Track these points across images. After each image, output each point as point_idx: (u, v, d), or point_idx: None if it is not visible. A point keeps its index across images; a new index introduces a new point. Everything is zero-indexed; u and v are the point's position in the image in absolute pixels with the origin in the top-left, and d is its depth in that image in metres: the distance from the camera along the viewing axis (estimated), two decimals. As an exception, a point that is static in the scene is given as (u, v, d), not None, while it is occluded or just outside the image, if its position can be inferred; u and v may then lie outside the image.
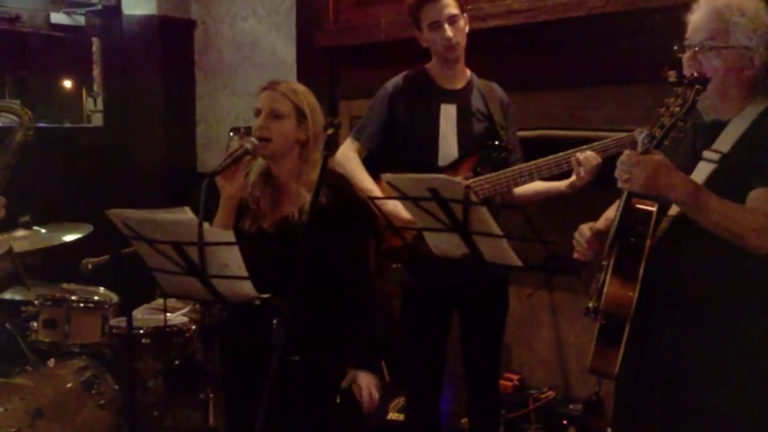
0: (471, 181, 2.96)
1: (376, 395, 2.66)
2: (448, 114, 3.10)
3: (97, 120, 5.35)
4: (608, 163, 2.76)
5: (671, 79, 1.96)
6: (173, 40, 5.35)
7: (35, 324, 3.48)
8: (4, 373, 3.26)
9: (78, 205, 3.97)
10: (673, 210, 2.14)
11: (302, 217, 2.57)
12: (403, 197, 2.42)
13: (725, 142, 2.11)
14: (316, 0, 4.53)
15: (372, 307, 2.80)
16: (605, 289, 2.11)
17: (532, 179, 2.99)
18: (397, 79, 3.19)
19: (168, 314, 3.57)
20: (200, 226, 2.15)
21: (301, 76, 4.60)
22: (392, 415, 3.92)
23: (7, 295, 3.62)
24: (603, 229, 2.35)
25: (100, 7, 5.19)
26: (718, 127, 2.15)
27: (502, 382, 3.85)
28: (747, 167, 2.05)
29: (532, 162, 2.99)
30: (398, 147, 3.13)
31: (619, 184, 2.02)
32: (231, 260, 2.22)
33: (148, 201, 2.34)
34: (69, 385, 3.31)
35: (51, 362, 3.45)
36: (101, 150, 5.22)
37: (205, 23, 5.39)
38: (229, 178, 2.53)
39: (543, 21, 3.47)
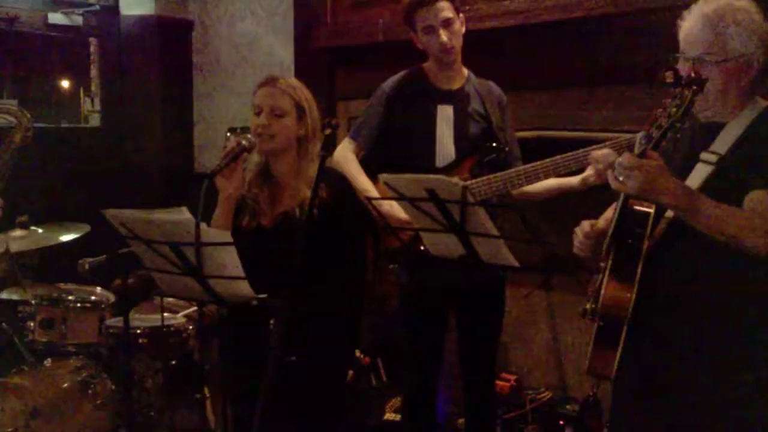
0: (470, 182, 2.97)
1: None
2: (445, 115, 3.10)
3: (95, 120, 5.34)
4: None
5: (668, 80, 1.96)
6: (171, 41, 5.35)
7: (32, 324, 3.48)
8: (1, 373, 3.26)
9: (75, 205, 3.98)
10: (671, 212, 2.14)
11: (302, 212, 2.57)
12: (400, 198, 2.42)
13: (723, 143, 2.11)
14: (314, 1, 4.53)
15: (362, 304, 2.80)
16: (603, 291, 2.11)
17: (529, 182, 2.98)
18: (394, 80, 3.18)
19: (165, 314, 3.57)
20: (197, 226, 2.16)
21: (299, 77, 4.50)
22: (389, 416, 3.93)
23: (4, 295, 3.61)
24: (603, 228, 2.35)
25: (97, 7, 5.18)
26: (716, 128, 2.15)
27: (499, 382, 3.86)
28: (744, 169, 2.05)
29: (530, 165, 2.98)
30: (395, 148, 3.13)
31: (612, 185, 2.01)
32: (228, 260, 2.22)
33: (145, 201, 2.34)
34: (66, 385, 3.30)
35: (48, 362, 3.44)
36: (99, 150, 5.22)
37: (203, 23, 5.38)
38: (227, 176, 2.54)
39: (540, 22, 3.47)
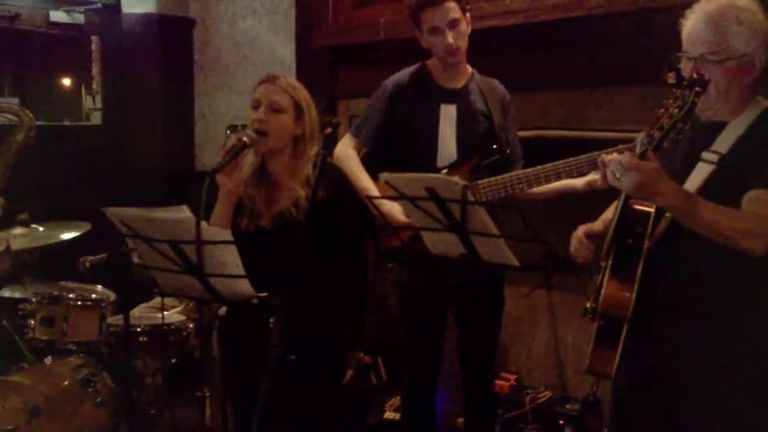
0: (481, 182, 2.96)
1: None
2: (448, 114, 3.08)
3: (96, 118, 5.34)
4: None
5: (670, 81, 1.96)
6: (172, 39, 5.35)
7: (33, 322, 3.48)
8: (1, 371, 3.26)
9: (76, 203, 3.97)
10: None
11: (298, 211, 2.57)
12: (401, 197, 2.42)
13: (724, 143, 2.12)
14: (316, -1, 4.53)
15: (365, 300, 2.80)
16: (603, 290, 2.11)
17: (530, 186, 2.96)
18: (397, 77, 3.16)
19: (165, 312, 3.57)
20: (198, 225, 2.16)
21: (300, 75, 4.59)
22: (389, 414, 3.93)
23: (5, 293, 3.62)
24: (598, 231, 2.35)
25: (99, 5, 5.18)
26: (717, 127, 2.15)
27: (498, 381, 3.86)
28: (745, 168, 2.05)
29: (532, 169, 2.96)
30: (397, 146, 3.12)
31: (609, 179, 2.01)
32: (229, 259, 2.22)
33: (146, 199, 2.34)
34: (66, 383, 3.31)
35: (48, 360, 3.45)
36: (100, 148, 5.21)
37: (204, 22, 5.38)
38: (228, 173, 2.53)
39: (542, 21, 3.46)
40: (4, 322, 3.46)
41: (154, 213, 2.24)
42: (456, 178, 2.30)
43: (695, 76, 1.94)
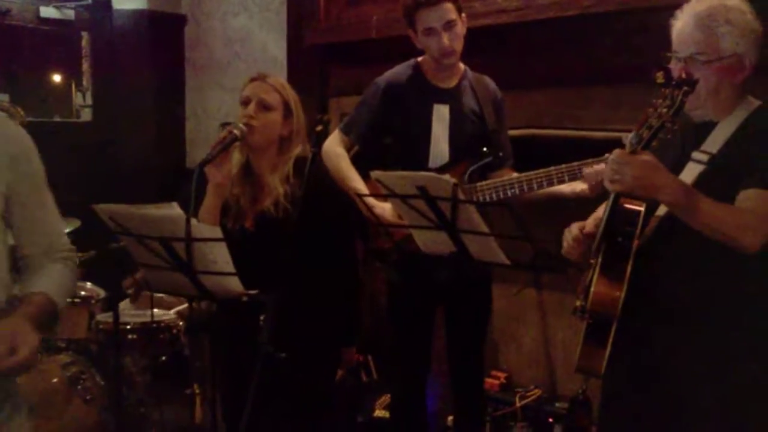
0: (476, 185, 2.96)
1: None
2: (440, 115, 3.07)
3: (86, 115, 5.32)
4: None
5: (659, 81, 1.96)
6: (163, 36, 5.33)
7: (21, 319, 3.46)
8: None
9: (66, 199, 3.94)
10: (661, 210, 2.15)
11: (278, 211, 2.57)
12: (391, 194, 2.42)
13: (714, 143, 2.12)
14: (307, -3, 4.52)
15: (356, 293, 2.80)
16: (592, 289, 2.11)
17: (522, 192, 2.95)
18: (390, 75, 3.14)
19: (155, 310, 3.56)
20: (188, 222, 2.15)
21: (292, 73, 4.59)
22: (379, 413, 3.93)
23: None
24: (592, 230, 2.35)
25: (89, 1, 5.16)
26: (707, 127, 2.15)
27: (488, 380, 3.86)
28: (736, 168, 2.05)
29: (525, 174, 2.96)
30: (389, 146, 3.12)
31: (606, 184, 2.02)
32: (219, 256, 2.22)
33: (137, 196, 2.33)
34: (55, 380, 3.30)
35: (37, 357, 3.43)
36: (90, 145, 5.19)
37: (195, 19, 5.37)
38: (218, 165, 2.53)
39: (533, 20, 3.46)
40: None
41: (144, 210, 2.24)
42: (447, 176, 2.30)
43: (684, 76, 1.94)
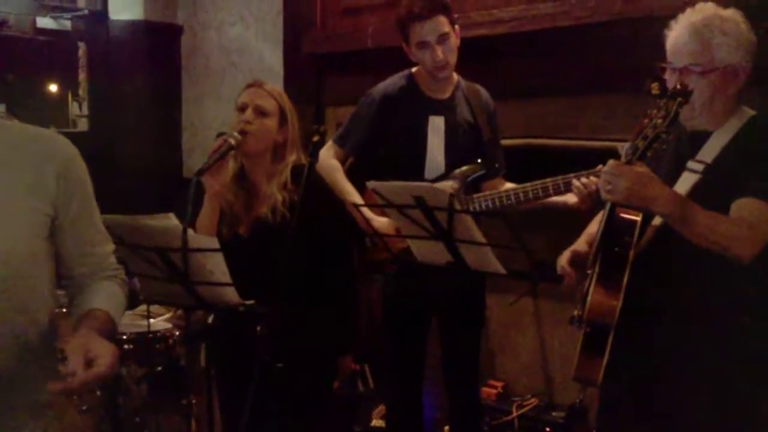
0: (476, 195, 2.97)
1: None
2: (435, 126, 3.08)
3: (83, 125, 5.31)
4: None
5: (654, 92, 1.97)
6: (160, 46, 5.34)
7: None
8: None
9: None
10: (657, 220, 2.16)
11: (275, 217, 2.57)
12: (387, 205, 2.42)
13: (709, 152, 2.13)
14: (304, 7, 4.53)
15: (352, 302, 2.80)
16: (589, 298, 2.12)
17: (519, 204, 2.95)
18: (384, 87, 3.15)
19: (151, 320, 3.56)
20: (184, 232, 2.15)
21: (288, 83, 4.59)
22: (376, 422, 3.92)
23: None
24: (583, 252, 2.36)
25: (86, 12, 5.16)
26: (702, 137, 2.16)
27: (486, 389, 3.86)
28: (730, 178, 2.07)
29: (521, 186, 2.97)
30: (384, 158, 3.12)
31: (602, 195, 2.04)
32: (216, 267, 2.22)
33: (133, 206, 2.32)
34: (51, 390, 3.28)
35: (33, 367, 3.41)
36: (86, 155, 5.13)
37: (192, 29, 5.37)
38: (214, 174, 2.54)
39: (529, 30, 3.48)
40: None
41: (140, 220, 2.24)
42: (443, 187, 2.31)
43: (679, 86, 1.95)
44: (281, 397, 2.53)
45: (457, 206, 2.26)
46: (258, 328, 2.27)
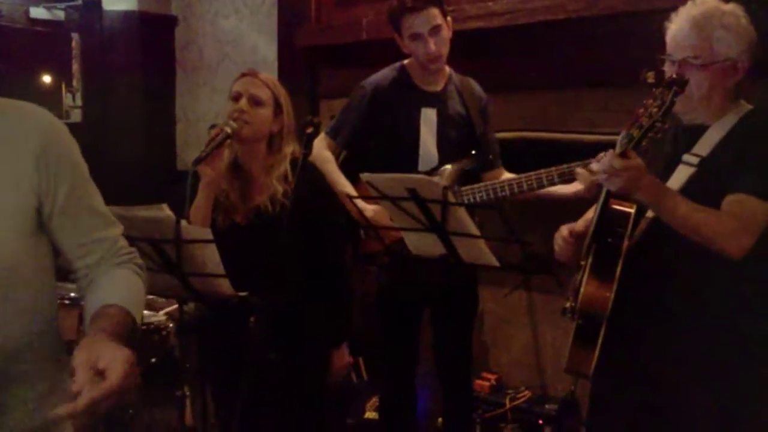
0: (464, 188, 2.97)
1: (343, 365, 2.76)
2: (428, 119, 3.07)
3: (76, 116, 5.29)
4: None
5: (650, 81, 1.97)
6: (154, 37, 5.31)
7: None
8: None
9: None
10: (651, 212, 2.16)
11: (274, 207, 2.56)
12: (381, 197, 2.42)
13: (705, 146, 2.14)
14: (298, -1, 4.52)
15: (347, 294, 2.80)
16: (582, 289, 2.12)
17: (513, 195, 2.95)
18: (376, 79, 3.14)
19: (145, 312, 3.55)
20: (178, 223, 2.15)
21: (282, 75, 4.58)
22: (369, 414, 3.92)
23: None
24: (581, 231, 2.36)
25: (79, 2, 5.14)
26: (698, 130, 2.17)
27: (479, 382, 3.87)
28: (724, 171, 2.07)
29: (516, 177, 2.97)
30: (377, 150, 3.12)
31: (602, 181, 2.03)
32: (209, 258, 2.21)
33: (127, 198, 2.32)
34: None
35: (26, 359, 3.41)
36: (79, 146, 5.16)
37: (186, 20, 5.36)
38: (210, 163, 2.53)
39: (524, 24, 3.47)
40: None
41: (133, 211, 2.23)
42: (437, 179, 2.31)
43: (675, 76, 1.95)
44: (274, 389, 2.53)
45: (451, 198, 2.26)
46: (251, 320, 2.28)
